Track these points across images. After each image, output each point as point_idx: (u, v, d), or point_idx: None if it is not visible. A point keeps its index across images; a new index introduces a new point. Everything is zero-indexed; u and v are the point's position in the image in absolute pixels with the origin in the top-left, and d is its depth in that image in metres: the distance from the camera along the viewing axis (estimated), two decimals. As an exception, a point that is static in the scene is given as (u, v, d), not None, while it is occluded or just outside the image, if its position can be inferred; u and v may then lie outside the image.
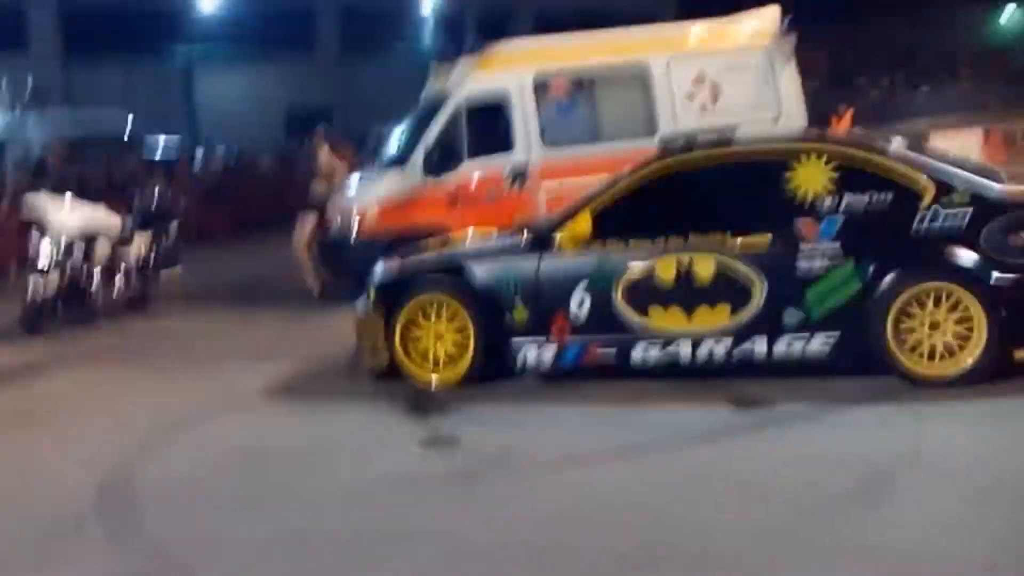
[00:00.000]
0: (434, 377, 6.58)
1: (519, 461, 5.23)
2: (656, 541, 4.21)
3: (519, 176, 10.06)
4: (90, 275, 10.31)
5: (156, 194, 11.26)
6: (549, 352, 6.37)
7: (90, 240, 10.27)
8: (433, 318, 6.59)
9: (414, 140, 10.22)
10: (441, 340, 6.58)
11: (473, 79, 10.16)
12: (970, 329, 5.69)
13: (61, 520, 4.90)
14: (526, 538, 4.35)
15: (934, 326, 5.75)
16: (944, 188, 5.86)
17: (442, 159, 9.98)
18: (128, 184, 13.38)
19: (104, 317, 10.14)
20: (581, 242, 6.33)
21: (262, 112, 29.73)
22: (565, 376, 6.49)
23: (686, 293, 6.12)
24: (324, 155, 10.93)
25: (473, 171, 10.03)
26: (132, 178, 14.64)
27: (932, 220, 5.81)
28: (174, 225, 11.27)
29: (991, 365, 5.67)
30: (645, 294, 6.18)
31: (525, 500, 4.73)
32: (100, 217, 10.42)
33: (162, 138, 23.80)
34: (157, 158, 20.02)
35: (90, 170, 15.24)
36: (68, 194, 10.16)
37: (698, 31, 10.44)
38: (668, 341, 6.16)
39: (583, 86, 10.31)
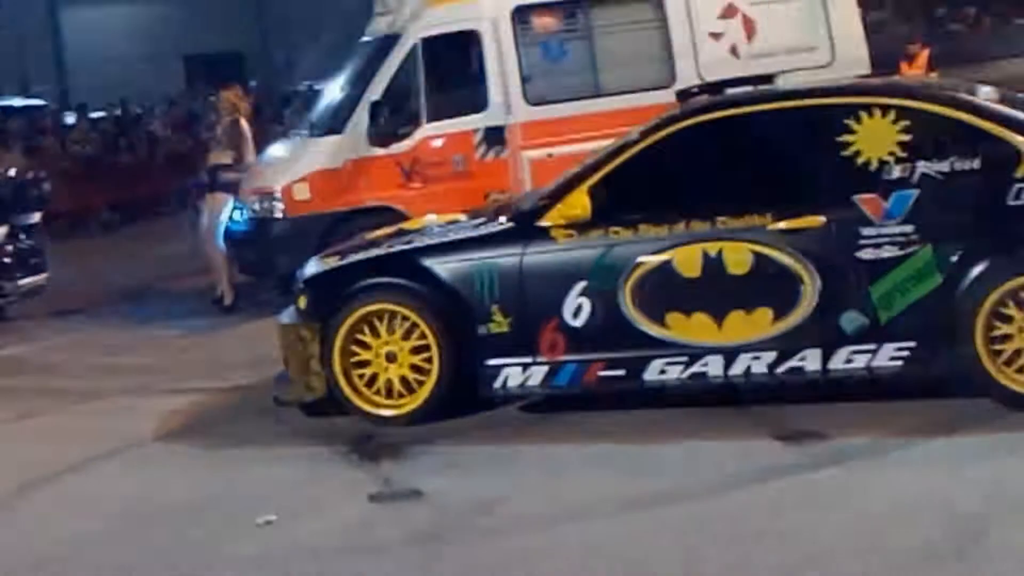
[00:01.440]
0: (386, 411, 6.61)
1: (500, 518, 5.26)
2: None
3: (494, 142, 10.12)
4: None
5: (10, 176, 11.25)
6: (537, 374, 6.40)
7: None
8: (383, 333, 6.60)
9: (354, 97, 10.27)
10: (394, 362, 6.60)
11: (431, 13, 10.21)
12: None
13: None
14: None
15: (1038, 332, 5.79)
16: (1048, 152, 5.91)
17: (392, 121, 10.04)
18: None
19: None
20: (576, 228, 6.35)
21: (153, 61, 29.72)
22: (558, 405, 6.53)
23: (714, 294, 6.15)
24: (233, 118, 10.91)
25: (433, 136, 10.09)
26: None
27: (1032, 193, 5.85)
28: (37, 218, 11.28)
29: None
30: (661, 296, 6.20)
31: (508, 569, 4.76)
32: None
33: (17, 99, 23.77)
34: (10, 126, 20.01)
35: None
36: None
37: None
38: (692, 357, 6.18)
39: (578, 22, 10.38)
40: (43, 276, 11.22)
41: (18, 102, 24.29)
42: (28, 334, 10.67)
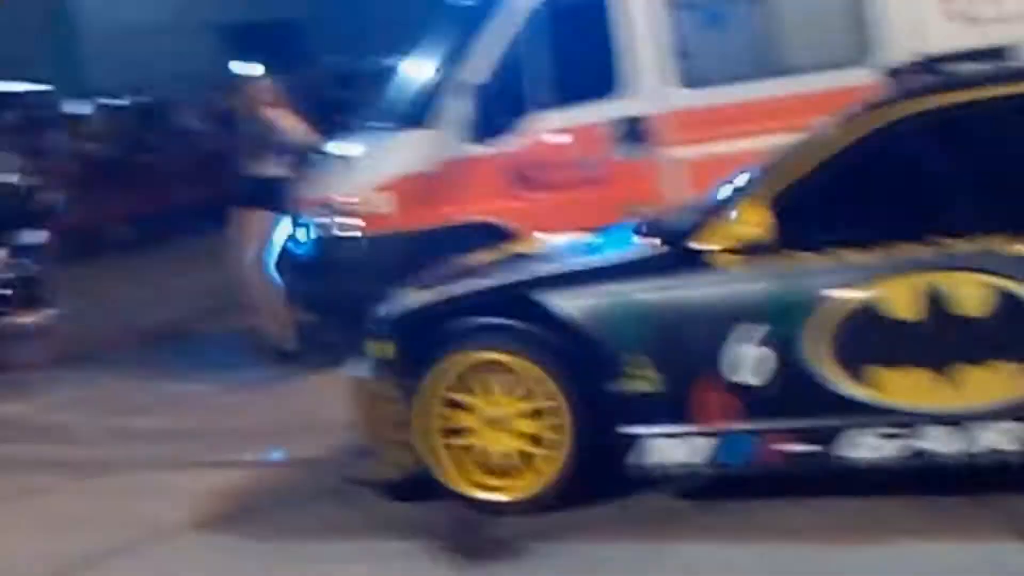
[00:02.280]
0: (495, 495, 6.60)
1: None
2: None
3: (635, 137, 10.14)
4: None
5: (9, 183, 11.45)
6: (696, 448, 6.36)
7: None
8: (492, 391, 6.60)
9: (447, 78, 10.33)
10: (506, 430, 6.59)
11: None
12: None
13: None
14: None
15: None
16: None
17: (496, 111, 10.10)
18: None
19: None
20: (749, 253, 6.29)
21: (181, 35, 30.24)
22: (723, 489, 6.47)
23: (938, 341, 6.05)
24: (272, 108, 10.89)
25: (551, 130, 10.14)
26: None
27: None
28: (42, 238, 11.45)
29: None
30: (864, 344, 6.12)
31: None
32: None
33: (13, 83, 24.23)
34: (4, 118, 20.41)
35: None
36: None
37: None
38: (906, 427, 6.10)
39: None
40: (48, 312, 11.41)
41: (16, 87, 24.76)
42: (28, 388, 10.83)
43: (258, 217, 10.79)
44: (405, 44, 12.20)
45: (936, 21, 10.01)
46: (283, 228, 10.71)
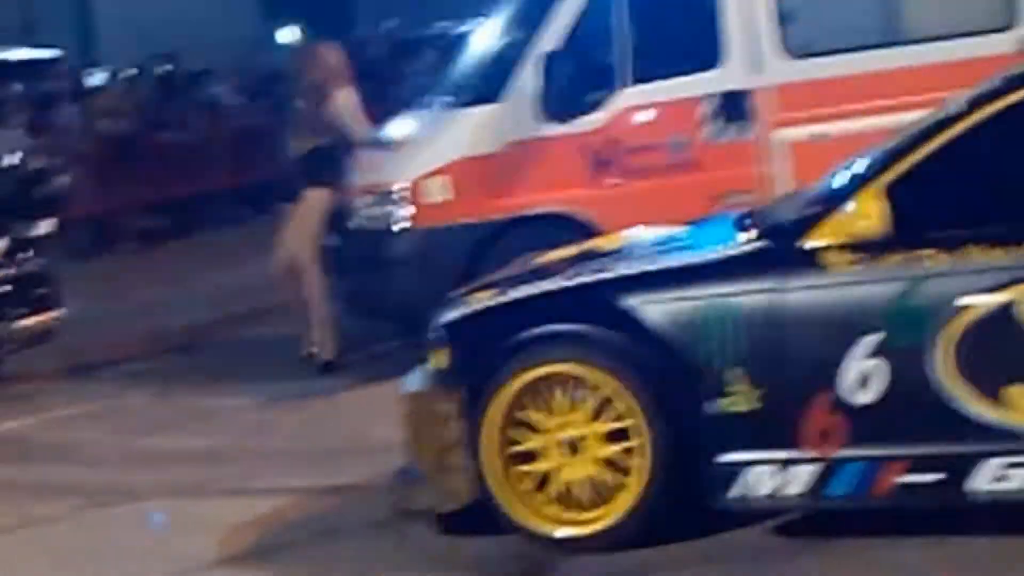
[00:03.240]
0: (566, 528, 6.61)
1: None
2: None
3: (734, 115, 10.19)
4: None
5: (11, 165, 11.53)
6: (801, 477, 6.35)
7: None
8: (562, 409, 6.63)
9: (518, 47, 10.42)
10: (579, 454, 6.61)
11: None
12: None
13: None
14: None
15: None
16: None
17: (577, 84, 10.16)
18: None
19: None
20: (865, 251, 6.31)
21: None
22: (833, 525, 6.47)
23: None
24: (336, 81, 10.96)
25: (639, 107, 10.20)
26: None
27: None
28: (48, 228, 11.54)
29: None
30: (999, 359, 6.13)
31: None
32: None
33: (19, 50, 24.44)
34: (9, 89, 20.58)
35: None
36: None
37: None
38: (1049, 454, 6.08)
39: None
40: (55, 314, 11.45)
41: (20, 54, 24.90)
42: (32, 400, 10.95)
43: (314, 198, 10.82)
44: (472, 8, 12.27)
45: None
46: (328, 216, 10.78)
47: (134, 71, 22.47)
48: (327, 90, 10.77)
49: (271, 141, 19.55)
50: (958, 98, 6.62)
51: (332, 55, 10.99)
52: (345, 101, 10.78)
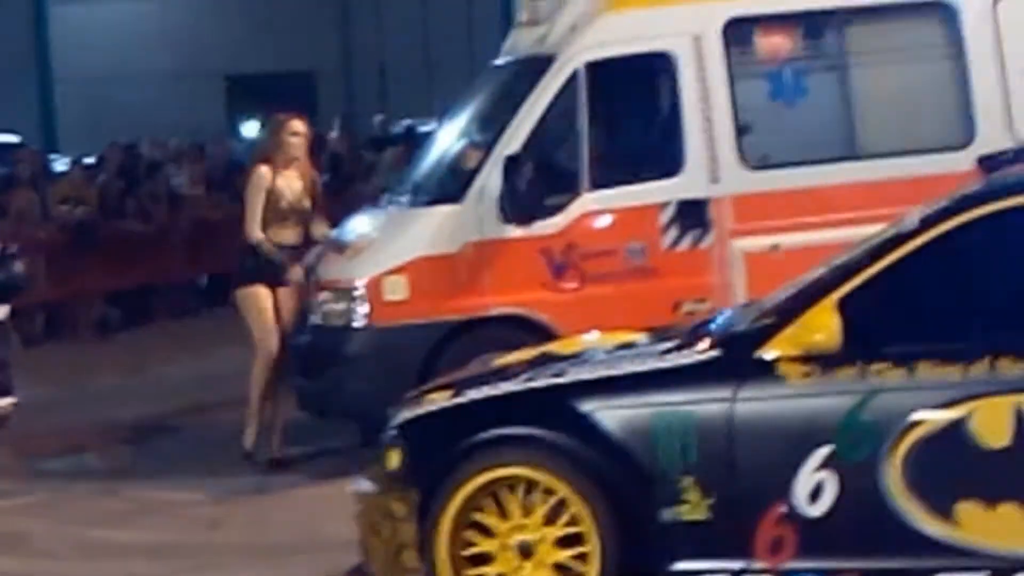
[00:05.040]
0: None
1: None
2: None
3: (692, 224, 10.19)
4: None
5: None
6: (752, 588, 6.37)
7: None
8: (515, 513, 6.63)
9: (481, 147, 10.47)
10: (531, 558, 6.60)
11: (603, 25, 10.38)
12: None
13: None
14: None
15: None
16: None
17: (537, 187, 10.15)
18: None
19: None
20: (818, 363, 6.36)
21: (183, 83, 30.40)
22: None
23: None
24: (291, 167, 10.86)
25: (598, 212, 10.22)
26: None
27: None
28: (3, 312, 11.49)
29: None
30: (950, 475, 6.17)
31: None
32: None
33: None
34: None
35: None
36: None
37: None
38: (997, 573, 6.10)
39: (824, 45, 10.48)
40: (8, 401, 11.38)
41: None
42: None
43: (245, 295, 10.75)
44: (438, 107, 12.32)
45: None
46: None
47: (94, 159, 22.42)
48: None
49: (230, 233, 19.63)
50: (911, 215, 6.68)
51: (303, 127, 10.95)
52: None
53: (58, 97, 31.37)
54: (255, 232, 10.56)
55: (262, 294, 10.66)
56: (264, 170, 10.69)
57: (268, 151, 10.91)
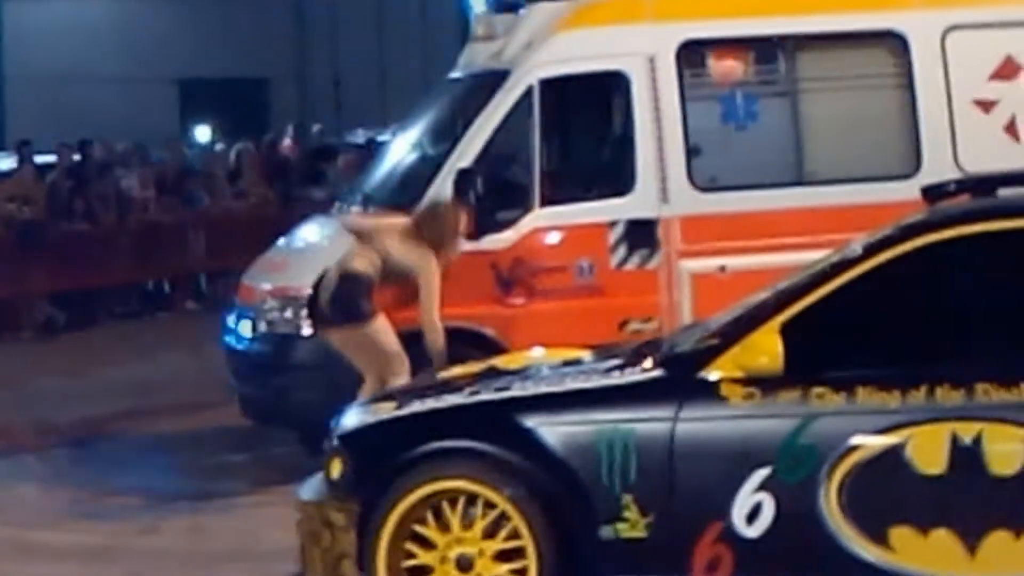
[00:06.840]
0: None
1: None
2: None
3: (640, 243, 10.24)
4: None
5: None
6: (688, 607, 6.40)
7: None
8: (455, 526, 6.65)
9: (433, 160, 10.50)
10: (470, 571, 6.61)
11: (557, 42, 10.43)
12: None
13: None
14: None
15: None
16: None
17: (488, 201, 10.16)
18: None
19: None
20: (759, 386, 6.42)
21: (137, 86, 30.31)
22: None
23: (967, 502, 6.15)
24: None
25: (548, 228, 10.26)
26: None
27: None
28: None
29: None
30: (884, 500, 6.23)
31: None
32: None
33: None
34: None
35: None
36: None
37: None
38: (928, 598, 6.16)
39: (776, 71, 10.56)
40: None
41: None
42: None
43: None
44: (393, 117, 12.33)
45: (978, 138, 10.18)
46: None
47: (47, 159, 22.29)
48: None
49: (178, 237, 19.60)
50: (854, 243, 6.75)
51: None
52: None
53: (8, 96, 31.26)
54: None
55: None
56: None
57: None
